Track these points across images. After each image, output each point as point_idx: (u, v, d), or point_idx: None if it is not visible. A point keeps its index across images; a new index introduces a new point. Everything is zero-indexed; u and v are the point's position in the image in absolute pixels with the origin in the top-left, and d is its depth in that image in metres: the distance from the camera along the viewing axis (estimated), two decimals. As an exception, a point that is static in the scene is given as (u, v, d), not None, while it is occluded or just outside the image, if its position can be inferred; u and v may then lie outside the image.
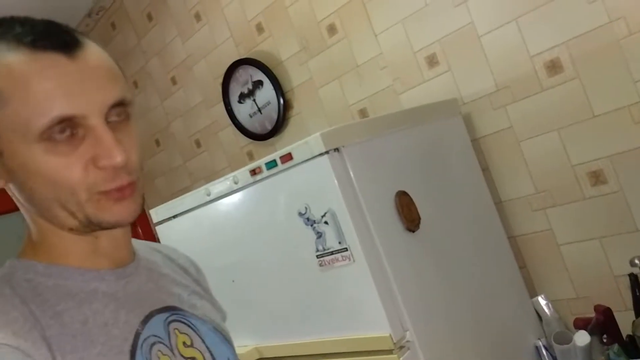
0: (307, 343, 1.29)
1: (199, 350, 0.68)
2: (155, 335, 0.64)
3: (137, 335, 0.62)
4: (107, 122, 0.58)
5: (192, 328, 0.70)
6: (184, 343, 0.67)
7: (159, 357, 0.63)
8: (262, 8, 2.11)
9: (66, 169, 0.57)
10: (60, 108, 0.55)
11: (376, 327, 1.15)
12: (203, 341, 0.70)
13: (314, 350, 1.28)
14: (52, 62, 0.56)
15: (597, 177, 1.47)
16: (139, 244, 0.77)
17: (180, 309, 0.71)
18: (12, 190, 0.62)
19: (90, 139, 0.57)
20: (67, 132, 0.56)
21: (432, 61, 1.71)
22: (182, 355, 0.66)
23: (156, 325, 0.65)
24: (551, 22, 1.45)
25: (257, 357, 1.40)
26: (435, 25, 1.67)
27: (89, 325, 0.59)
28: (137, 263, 0.70)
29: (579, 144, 1.48)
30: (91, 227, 0.61)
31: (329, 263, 1.19)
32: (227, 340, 0.75)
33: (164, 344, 0.64)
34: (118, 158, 0.57)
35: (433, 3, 1.65)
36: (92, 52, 0.59)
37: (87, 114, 0.56)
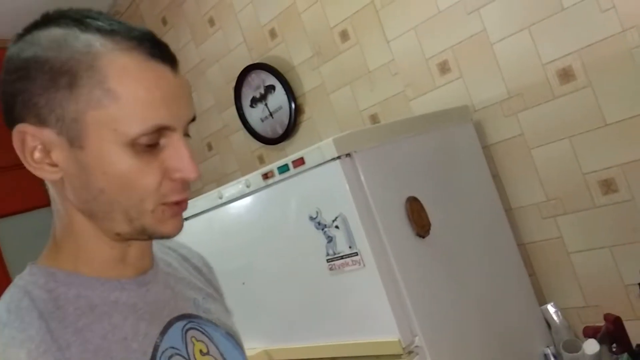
0: (316, 346, 1.29)
1: (214, 358, 0.69)
2: (173, 347, 0.64)
3: (155, 348, 0.62)
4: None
5: (206, 335, 0.70)
6: (201, 351, 0.68)
7: None
8: (276, 14, 2.13)
9: (146, 175, 0.58)
10: (160, 118, 0.57)
11: (385, 332, 1.15)
12: (217, 348, 0.71)
13: (322, 353, 1.28)
14: (162, 73, 0.58)
15: (608, 186, 1.46)
16: (155, 244, 0.77)
17: (196, 316, 0.71)
18: (66, 184, 0.60)
19: (170, 151, 0.59)
20: (153, 141, 0.58)
21: (444, 68, 1.71)
22: None
23: (174, 335, 0.66)
24: (564, 30, 1.46)
25: None
26: (447, 32, 1.68)
27: (108, 341, 0.59)
28: (156, 269, 0.70)
29: (590, 152, 1.48)
30: (139, 236, 0.62)
31: (339, 267, 1.20)
32: (239, 345, 0.76)
33: (181, 355, 0.65)
34: (194, 174, 0.60)
35: (446, 10, 1.66)
36: (180, 69, 0.62)
37: (176, 127, 0.59)
